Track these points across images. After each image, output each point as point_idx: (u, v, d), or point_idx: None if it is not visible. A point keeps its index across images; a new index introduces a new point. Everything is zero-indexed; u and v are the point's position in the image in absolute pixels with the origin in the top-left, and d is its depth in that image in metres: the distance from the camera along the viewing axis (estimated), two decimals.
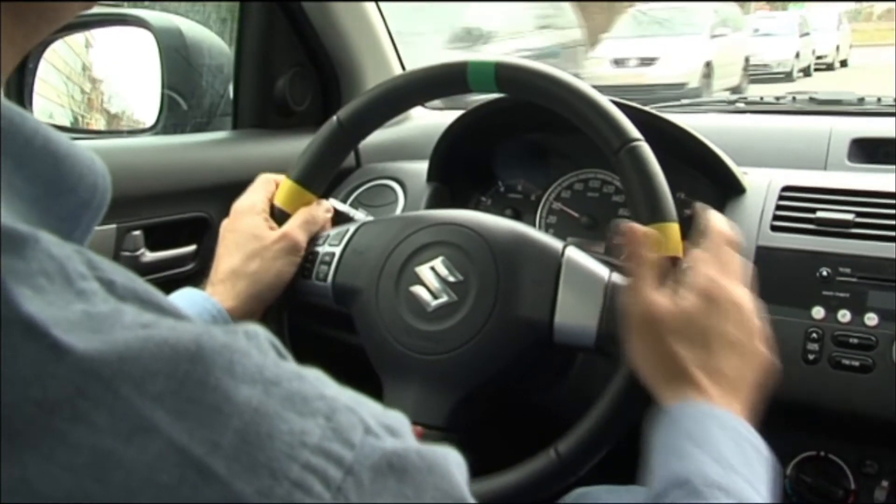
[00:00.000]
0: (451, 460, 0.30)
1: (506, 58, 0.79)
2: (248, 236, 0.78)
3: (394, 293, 0.76)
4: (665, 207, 0.70)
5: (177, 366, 0.25)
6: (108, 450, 0.23)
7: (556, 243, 0.75)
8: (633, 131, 0.71)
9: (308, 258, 0.81)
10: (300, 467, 0.25)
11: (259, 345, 0.28)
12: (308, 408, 0.27)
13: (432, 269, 0.75)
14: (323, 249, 0.81)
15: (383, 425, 0.28)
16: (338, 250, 0.80)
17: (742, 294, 0.63)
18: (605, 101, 0.73)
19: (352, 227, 0.82)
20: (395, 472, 0.27)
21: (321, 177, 0.84)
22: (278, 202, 0.81)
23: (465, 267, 0.74)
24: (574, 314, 0.71)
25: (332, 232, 0.82)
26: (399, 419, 0.30)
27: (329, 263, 0.80)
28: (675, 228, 0.70)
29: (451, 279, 0.74)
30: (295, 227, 0.79)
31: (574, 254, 0.74)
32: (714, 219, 0.67)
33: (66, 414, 0.23)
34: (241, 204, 0.81)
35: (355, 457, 0.26)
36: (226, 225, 0.80)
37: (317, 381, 0.28)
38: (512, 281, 0.73)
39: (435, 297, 0.74)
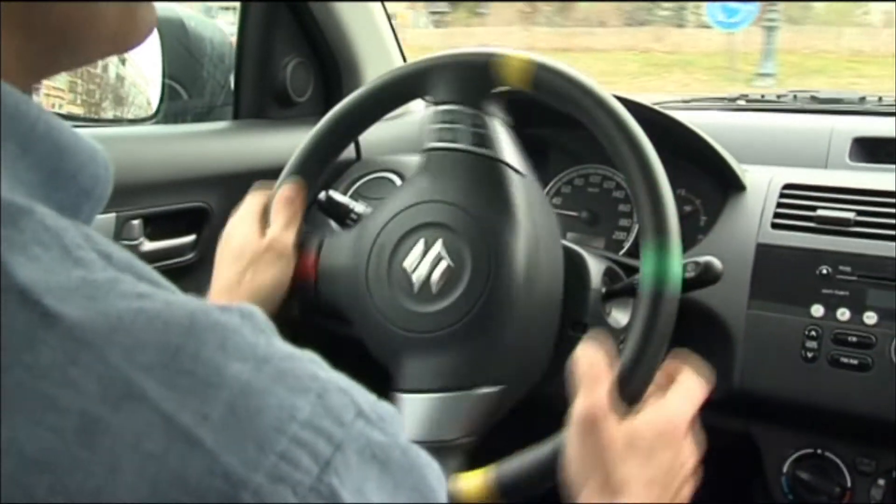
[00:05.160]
0: (431, 467, 0.30)
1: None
2: (241, 248, 0.78)
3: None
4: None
5: (169, 339, 0.25)
6: (96, 415, 0.23)
7: None
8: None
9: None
10: (288, 440, 0.25)
11: (254, 325, 0.28)
12: (299, 385, 0.26)
13: (422, 254, 0.75)
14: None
15: (375, 412, 0.28)
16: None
17: (689, 443, 0.61)
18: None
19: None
20: (378, 463, 0.27)
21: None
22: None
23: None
24: None
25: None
26: (390, 411, 0.30)
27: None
28: None
29: (442, 258, 0.74)
30: (279, 231, 0.79)
31: None
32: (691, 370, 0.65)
33: (57, 379, 0.24)
34: (238, 216, 0.81)
35: (345, 435, 0.26)
36: (223, 236, 0.81)
37: (310, 362, 0.28)
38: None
39: (430, 277, 0.74)
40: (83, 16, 0.32)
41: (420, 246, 0.75)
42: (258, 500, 0.24)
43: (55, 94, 1.17)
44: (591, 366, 0.60)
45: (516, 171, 0.76)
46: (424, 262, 0.74)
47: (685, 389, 0.62)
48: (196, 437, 0.24)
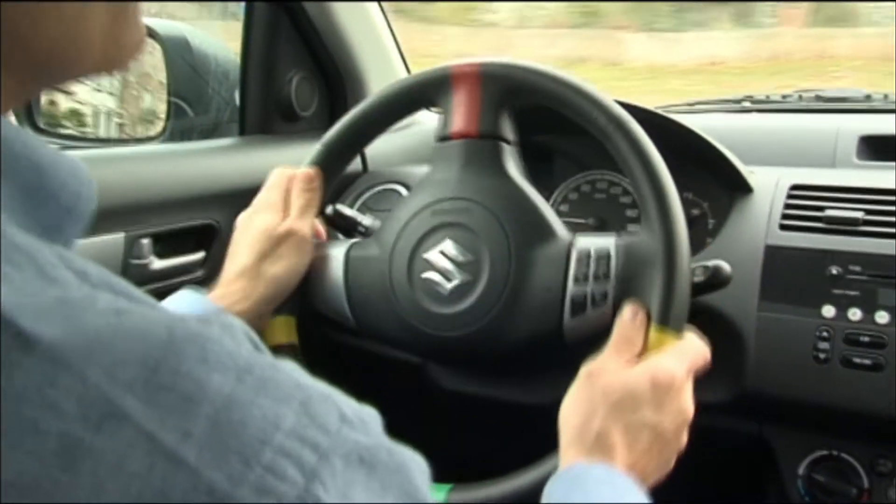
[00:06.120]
0: (417, 464, 0.30)
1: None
2: (260, 234, 0.77)
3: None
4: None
5: (148, 353, 0.25)
6: (77, 437, 0.23)
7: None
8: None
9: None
10: (273, 452, 0.25)
11: (234, 335, 0.28)
12: (282, 394, 0.26)
13: (441, 252, 0.75)
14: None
15: (358, 416, 0.28)
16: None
17: (687, 397, 0.62)
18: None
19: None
20: (365, 466, 0.27)
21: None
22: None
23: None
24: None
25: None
26: (372, 414, 0.30)
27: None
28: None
29: (461, 258, 0.74)
30: (296, 220, 0.78)
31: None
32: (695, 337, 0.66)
33: (35, 402, 0.23)
34: (258, 201, 0.80)
35: (331, 443, 0.26)
36: (241, 221, 0.80)
37: (292, 371, 0.28)
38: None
39: (449, 279, 0.74)
40: (68, 41, 0.32)
41: (440, 245, 0.75)
42: None
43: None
44: (628, 330, 0.64)
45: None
46: (444, 262, 0.74)
47: (680, 349, 0.64)
48: (179, 456, 0.24)
